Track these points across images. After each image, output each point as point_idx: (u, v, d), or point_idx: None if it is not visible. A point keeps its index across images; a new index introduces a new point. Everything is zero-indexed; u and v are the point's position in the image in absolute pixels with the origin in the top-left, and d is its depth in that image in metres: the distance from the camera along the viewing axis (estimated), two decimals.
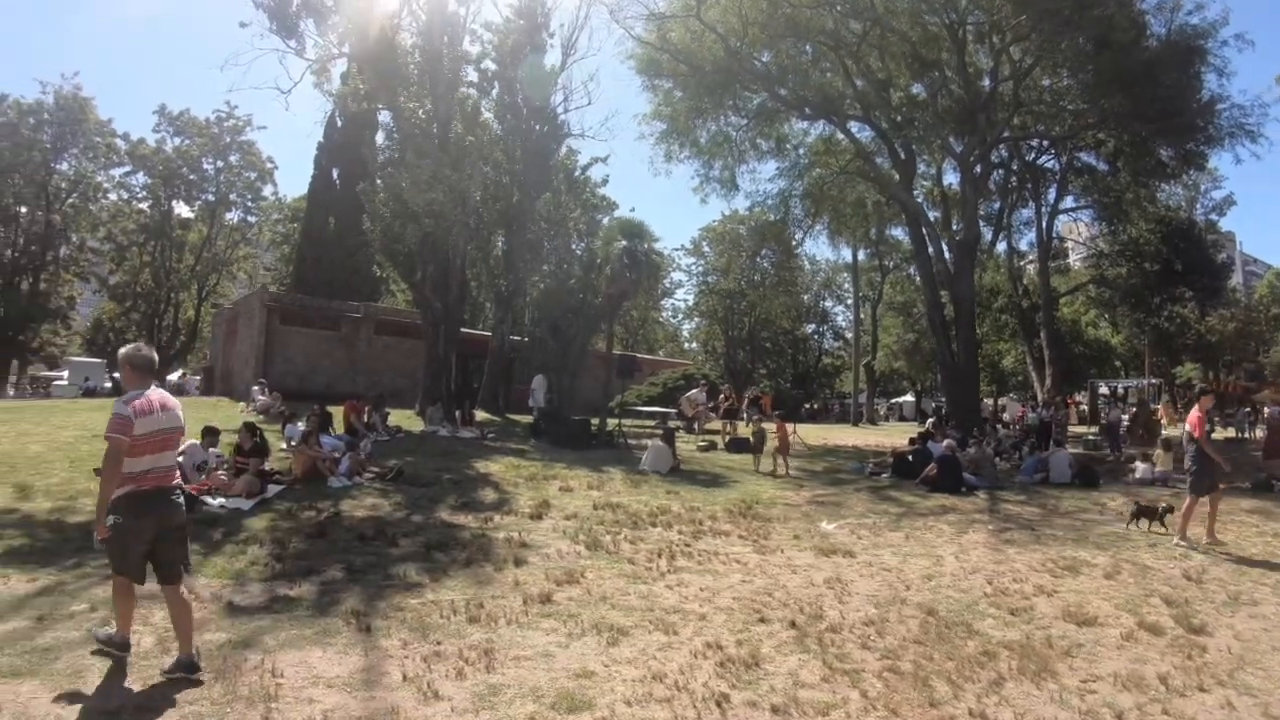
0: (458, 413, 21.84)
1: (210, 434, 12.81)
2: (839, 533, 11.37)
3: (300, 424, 15.95)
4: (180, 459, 11.31)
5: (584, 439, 19.91)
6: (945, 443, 17.04)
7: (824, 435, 29.40)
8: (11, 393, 48.13)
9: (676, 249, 70.17)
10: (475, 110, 26.45)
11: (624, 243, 22.26)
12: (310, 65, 23.90)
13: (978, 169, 28.24)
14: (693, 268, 69.09)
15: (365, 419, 17.80)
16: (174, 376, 50.67)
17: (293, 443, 14.65)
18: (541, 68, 26.22)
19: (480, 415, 23.67)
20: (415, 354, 28.56)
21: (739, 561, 9.42)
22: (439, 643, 6.25)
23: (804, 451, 22.47)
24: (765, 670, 6.01)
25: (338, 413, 17.87)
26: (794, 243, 38.62)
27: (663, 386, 33.54)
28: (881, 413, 57.56)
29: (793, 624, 7.08)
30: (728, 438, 22.17)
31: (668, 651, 6.30)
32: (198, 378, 49.32)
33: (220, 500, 10.74)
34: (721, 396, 26.70)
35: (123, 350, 5.82)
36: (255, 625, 6.43)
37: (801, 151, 31.81)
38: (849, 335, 78.34)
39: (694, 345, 74.94)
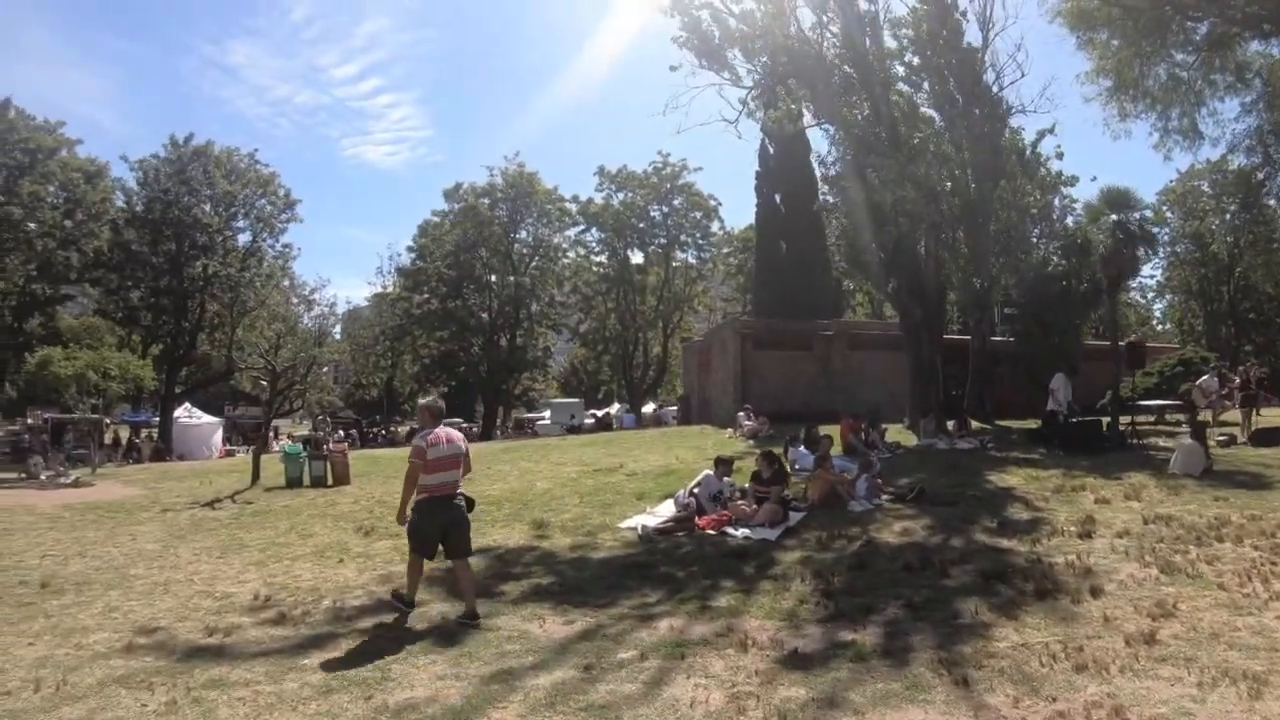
0: (951, 423, 20.48)
1: (723, 464, 12.61)
2: None
3: (803, 447, 15.71)
4: (696, 490, 11.50)
5: (1097, 442, 17.60)
6: None
7: None
8: (498, 435, 53.97)
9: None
10: (913, 106, 25.26)
11: (1113, 216, 19.86)
12: (749, 93, 24.11)
13: None
14: (1159, 236, 61.49)
15: (865, 437, 17.11)
16: (648, 409, 54.03)
17: (795, 466, 14.44)
18: (964, 49, 24.50)
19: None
20: (891, 366, 27.52)
21: None
22: (1053, 698, 5.22)
23: None
24: None
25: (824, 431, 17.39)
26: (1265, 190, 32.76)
27: (1159, 375, 29.58)
28: None
29: None
30: (1251, 429, 18.85)
31: None
32: (673, 408, 52.15)
33: (744, 530, 10.46)
34: (1237, 381, 22.84)
35: (422, 400, 8.55)
36: (832, 678, 5.71)
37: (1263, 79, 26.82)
38: None
39: (1167, 326, 66.90)
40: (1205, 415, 21.42)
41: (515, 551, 10.26)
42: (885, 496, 12.37)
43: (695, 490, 11.60)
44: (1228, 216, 53.31)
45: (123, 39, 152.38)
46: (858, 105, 23.56)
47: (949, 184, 23.51)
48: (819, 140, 52.73)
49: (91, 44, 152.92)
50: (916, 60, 24.46)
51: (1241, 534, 9.50)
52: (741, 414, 23.12)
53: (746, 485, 12.23)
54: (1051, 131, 24.95)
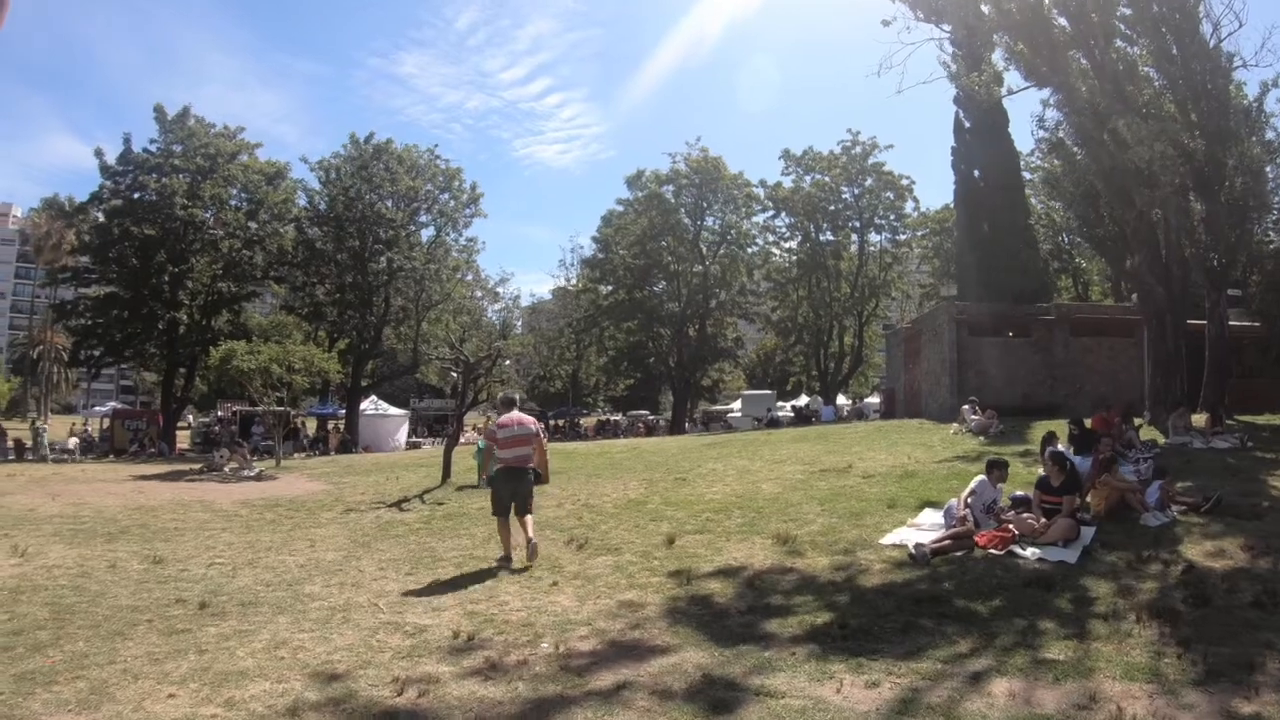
0: (1202, 419, 18.33)
1: (998, 468, 10.87)
2: None
3: (1060, 444, 14.19)
4: (970, 500, 10.16)
5: None
6: None
7: None
8: (687, 427, 53.23)
9: None
10: (1131, 63, 23.02)
11: None
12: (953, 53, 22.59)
13: None
14: None
15: (1121, 434, 15.21)
16: (841, 400, 52.50)
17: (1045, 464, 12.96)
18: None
19: (1199, 419, 19.48)
20: (1119, 353, 25.47)
21: None
22: None
23: None
24: None
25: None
26: None
27: None
28: None
29: None
30: None
31: None
32: (873, 400, 50.40)
33: (1033, 550, 9.00)
34: None
35: (500, 394, 11.45)
36: None
37: None
38: None
39: None
40: None
41: (766, 574, 8.84)
42: (1178, 508, 10.65)
43: (969, 500, 10.16)
44: None
45: (300, 59, 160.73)
46: (1073, 62, 21.58)
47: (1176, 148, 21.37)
48: (1020, 108, 50.01)
49: (272, 66, 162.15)
50: (1130, 12, 22.37)
51: None
52: (966, 408, 21.49)
53: (1016, 493, 10.94)
54: (1277, 84, 22.37)
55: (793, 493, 13.62)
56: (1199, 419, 18.71)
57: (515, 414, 10.21)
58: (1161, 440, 17.25)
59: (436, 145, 68.08)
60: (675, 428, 53.24)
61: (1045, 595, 7.71)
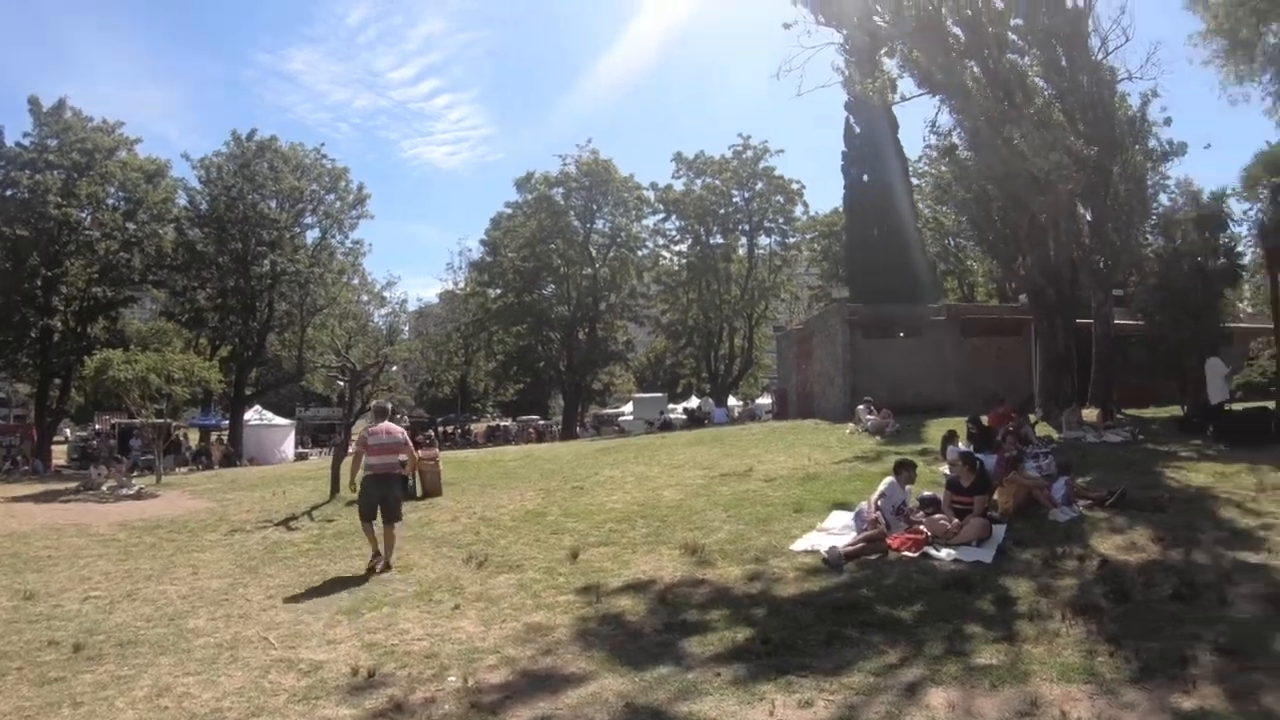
0: (1093, 414, 18.79)
1: (906, 469, 10.65)
2: None
3: (960, 443, 14.26)
4: (879, 502, 9.99)
5: (1264, 433, 15.55)
6: None
7: None
8: (581, 432, 52.97)
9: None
10: (1020, 74, 23.65)
11: (1276, 180, 18.02)
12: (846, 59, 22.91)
13: None
14: (1248, 214, 58.59)
15: (1016, 430, 15.27)
16: (732, 402, 52.76)
17: (954, 464, 12.97)
18: (1069, 11, 22.85)
19: (1089, 414, 20.00)
20: (1008, 352, 26.04)
21: None
22: None
23: None
24: None
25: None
26: None
27: None
28: None
29: None
30: None
31: None
32: (765, 401, 50.71)
33: (948, 551, 8.86)
34: None
35: (373, 402, 12.84)
36: None
37: None
38: None
39: (1254, 306, 63.85)
40: None
41: (678, 588, 8.39)
42: (1083, 503, 10.70)
43: (879, 502, 9.90)
44: None
45: (187, 55, 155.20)
46: (968, 71, 22.01)
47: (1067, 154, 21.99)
48: (908, 116, 51.20)
49: (158, 63, 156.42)
50: (1021, 23, 22.98)
51: None
52: (861, 408, 21.58)
53: (924, 494, 10.80)
54: (1155, 94, 23.27)
55: (695, 499, 13.22)
56: (1090, 414, 19.23)
57: (385, 424, 10.83)
58: (1056, 436, 17.52)
59: (323, 144, 66.64)
60: (567, 433, 52.68)
61: (966, 597, 7.55)
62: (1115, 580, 7.71)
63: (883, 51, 23.25)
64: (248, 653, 7.13)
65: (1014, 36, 22.85)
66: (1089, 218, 23.46)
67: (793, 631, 6.83)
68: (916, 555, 8.86)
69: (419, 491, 15.84)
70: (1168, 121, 24.51)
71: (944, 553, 8.88)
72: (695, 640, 6.79)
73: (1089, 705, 5.20)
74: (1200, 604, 7.00)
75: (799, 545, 9.63)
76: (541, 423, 60.40)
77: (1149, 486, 11.93)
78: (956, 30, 21.74)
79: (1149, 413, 20.74)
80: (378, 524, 10.29)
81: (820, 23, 21.41)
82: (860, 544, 9.07)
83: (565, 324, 57.39)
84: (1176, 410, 20.03)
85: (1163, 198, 26.16)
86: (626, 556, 9.84)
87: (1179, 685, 5.42)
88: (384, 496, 10.28)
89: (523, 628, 7.43)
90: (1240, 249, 25.94)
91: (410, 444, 11.38)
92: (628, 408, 58.34)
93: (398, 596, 8.82)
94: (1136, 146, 23.36)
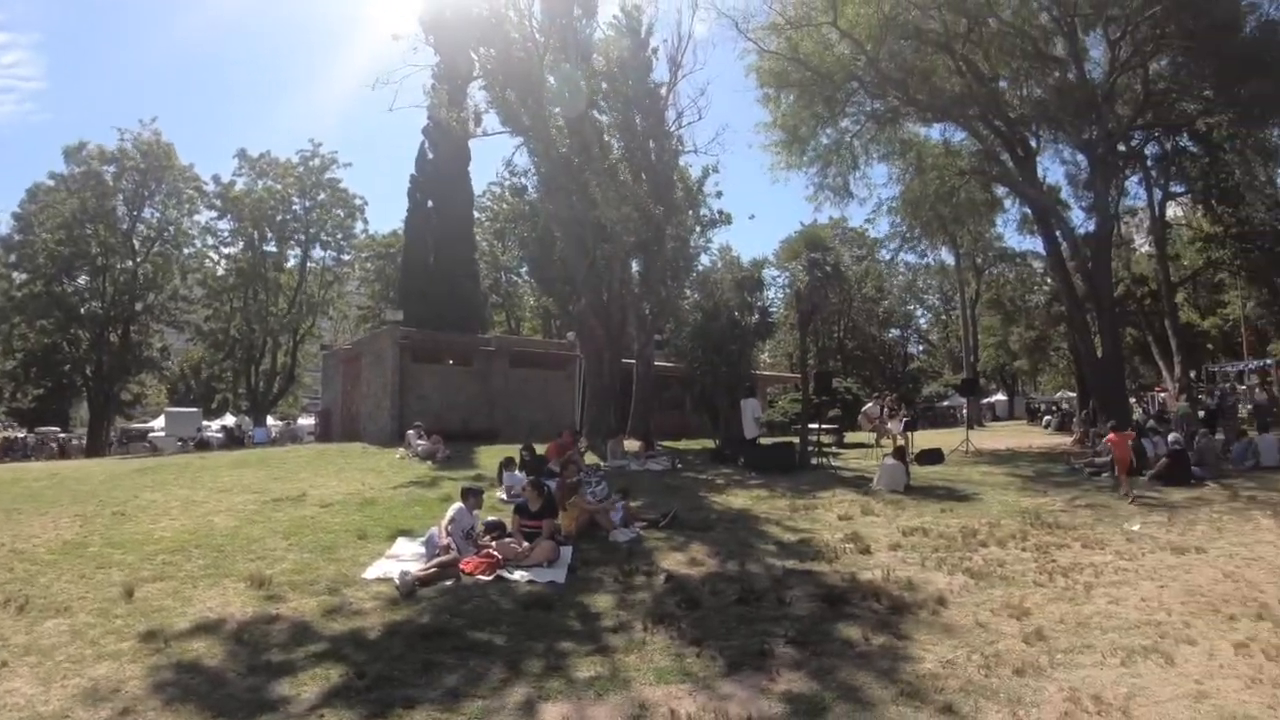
0: (635, 444, 20.20)
1: (473, 495, 10.52)
2: (1146, 531, 11.08)
3: (519, 472, 14.44)
4: (450, 528, 9.81)
5: (789, 463, 18.44)
6: (1172, 436, 18.14)
7: (954, 440, 25.68)
8: (111, 449, 47.27)
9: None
10: (598, 130, 25.22)
11: (813, 255, 20.69)
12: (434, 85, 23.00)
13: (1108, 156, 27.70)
14: (776, 279, 66.64)
15: (572, 458, 15.69)
16: (271, 421, 49.75)
17: (513, 491, 13.12)
18: (650, 85, 25.06)
19: (630, 445, 21.35)
20: (552, 384, 27.39)
21: (1126, 568, 9.15)
22: (1035, 704, 5.60)
23: (981, 458, 21.56)
24: None
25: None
26: (899, 247, 37.82)
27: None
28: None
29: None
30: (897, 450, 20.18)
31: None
32: (307, 422, 48.13)
33: (521, 573, 8.95)
34: (887, 408, 24.43)
35: None
36: None
37: (912, 156, 31.38)
38: (933, 339, 76.89)
39: (773, 357, 72.93)
40: (870, 437, 23.53)
41: (253, 625, 7.48)
42: (639, 524, 11.47)
43: (449, 528, 9.73)
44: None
45: None
46: (553, 119, 23.06)
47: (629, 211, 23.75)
48: (486, 149, 51.93)
49: None
50: (605, 85, 24.52)
51: (992, 539, 10.62)
52: (412, 433, 21.08)
53: (489, 519, 10.90)
54: (715, 170, 26.06)
55: (251, 526, 12.03)
56: (632, 445, 20.74)
57: None
58: (602, 464, 18.54)
59: None
60: (93, 448, 46.29)
61: (550, 615, 7.68)
62: (684, 591, 8.30)
63: (477, 85, 23.63)
64: None
65: (600, 98, 24.29)
66: (637, 269, 25.35)
67: (387, 663, 6.48)
68: (491, 578, 8.83)
69: None
70: (719, 194, 27.63)
71: (518, 574, 8.96)
72: (287, 683, 6.13)
73: (691, 701, 5.58)
74: (764, 606, 7.80)
75: (371, 573, 9.13)
76: (63, 435, 52.77)
77: (696, 509, 13.10)
78: (551, 79, 22.75)
79: (684, 444, 22.92)
80: None
81: (429, 43, 21.40)
82: (433, 569, 8.90)
83: (98, 322, 50.37)
84: (709, 443, 22.43)
85: (704, 258, 29.21)
86: (188, 592, 8.58)
87: (765, 674, 6.07)
88: None
89: (89, 684, 6.13)
90: (772, 308, 29.43)
91: None
92: (158, 422, 51.59)
93: None
94: (690, 212, 25.70)
